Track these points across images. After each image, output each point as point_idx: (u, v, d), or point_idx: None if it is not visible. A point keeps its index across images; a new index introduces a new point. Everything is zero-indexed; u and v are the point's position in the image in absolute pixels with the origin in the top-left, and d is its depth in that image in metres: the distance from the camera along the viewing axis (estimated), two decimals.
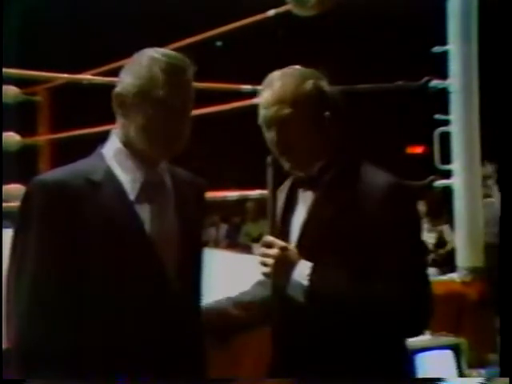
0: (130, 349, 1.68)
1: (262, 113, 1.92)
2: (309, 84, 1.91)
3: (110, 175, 1.74)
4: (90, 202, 1.68)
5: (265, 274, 1.85)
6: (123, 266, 1.68)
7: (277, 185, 1.93)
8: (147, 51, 1.79)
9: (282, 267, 1.81)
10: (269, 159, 1.90)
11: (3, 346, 1.77)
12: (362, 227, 1.79)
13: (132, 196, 1.74)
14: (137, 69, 1.76)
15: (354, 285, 1.77)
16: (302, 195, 1.95)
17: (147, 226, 1.73)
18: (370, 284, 1.76)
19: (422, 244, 1.96)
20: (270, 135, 1.91)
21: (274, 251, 1.82)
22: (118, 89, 1.77)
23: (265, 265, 1.84)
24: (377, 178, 1.85)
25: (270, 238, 1.85)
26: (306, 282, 1.79)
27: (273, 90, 1.90)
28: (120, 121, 1.78)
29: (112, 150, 1.78)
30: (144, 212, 1.74)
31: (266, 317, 1.99)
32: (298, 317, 1.85)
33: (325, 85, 1.94)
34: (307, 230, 1.89)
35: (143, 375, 1.67)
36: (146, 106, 1.73)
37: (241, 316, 2.03)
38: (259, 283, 2.07)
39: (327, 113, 1.91)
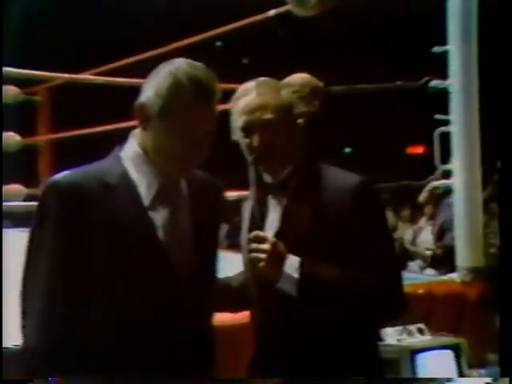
0: (141, 350, 1.68)
1: (243, 119, 1.96)
2: (284, 92, 2.01)
3: (125, 179, 1.73)
4: (104, 205, 1.68)
5: (257, 269, 1.88)
6: (134, 270, 1.68)
7: (260, 184, 1.97)
8: (173, 66, 1.74)
9: (274, 261, 1.85)
10: (250, 159, 1.95)
11: (3, 346, 1.77)
12: (334, 227, 1.87)
13: (146, 202, 1.73)
14: (160, 86, 1.71)
15: (339, 277, 1.87)
16: (273, 202, 2.00)
17: (160, 232, 1.73)
18: (349, 276, 1.86)
19: (390, 234, 2.13)
20: (249, 140, 1.96)
21: (266, 246, 1.85)
22: (141, 100, 1.73)
23: (257, 260, 1.86)
24: (342, 177, 1.95)
25: (262, 234, 1.89)
26: (296, 275, 1.85)
27: (252, 96, 1.97)
28: (140, 127, 1.76)
29: (130, 153, 1.77)
30: (157, 218, 1.74)
31: (243, 305, 2.08)
32: (284, 311, 1.90)
33: (296, 95, 2.11)
34: (282, 234, 1.92)
35: (155, 376, 1.67)
36: (165, 127, 1.71)
37: (224, 296, 2.04)
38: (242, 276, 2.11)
39: (300, 120, 2.03)
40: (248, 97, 1.98)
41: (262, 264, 1.85)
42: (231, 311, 2.16)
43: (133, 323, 1.67)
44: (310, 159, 2.01)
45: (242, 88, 2.02)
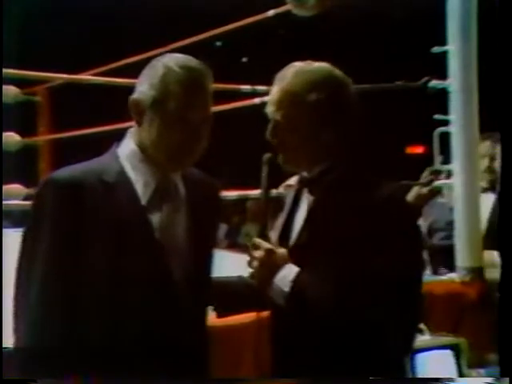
0: (136, 350, 1.68)
1: (266, 110, 1.92)
2: (312, 96, 1.87)
3: (122, 177, 1.74)
4: (102, 203, 1.69)
5: (250, 276, 1.86)
6: (131, 269, 1.68)
7: (270, 184, 1.92)
8: (164, 59, 1.77)
9: (265, 270, 1.81)
10: (265, 157, 1.91)
11: (4, 346, 1.77)
12: (355, 234, 1.78)
13: (143, 201, 1.73)
14: (152, 78, 1.73)
15: (339, 294, 1.75)
16: (307, 196, 1.95)
17: (157, 231, 1.73)
18: (355, 294, 1.74)
19: (417, 258, 1.92)
20: (269, 126, 1.91)
21: (259, 253, 1.82)
22: (135, 95, 1.76)
23: (251, 266, 1.84)
24: (377, 188, 1.84)
25: (257, 240, 1.84)
26: (286, 288, 1.78)
27: (276, 89, 1.90)
28: (136, 124, 1.77)
29: (127, 151, 1.78)
30: (154, 217, 1.74)
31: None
32: (283, 317, 1.86)
33: (338, 94, 1.90)
34: (304, 231, 1.89)
35: (151, 376, 1.67)
36: (159, 118, 1.72)
37: (247, 295, 2.02)
38: None
39: (324, 127, 1.87)
40: (275, 87, 1.90)
41: (252, 271, 1.83)
42: (256, 310, 2.15)
43: (130, 321, 1.67)
44: (344, 160, 1.91)
45: (283, 72, 1.92)
